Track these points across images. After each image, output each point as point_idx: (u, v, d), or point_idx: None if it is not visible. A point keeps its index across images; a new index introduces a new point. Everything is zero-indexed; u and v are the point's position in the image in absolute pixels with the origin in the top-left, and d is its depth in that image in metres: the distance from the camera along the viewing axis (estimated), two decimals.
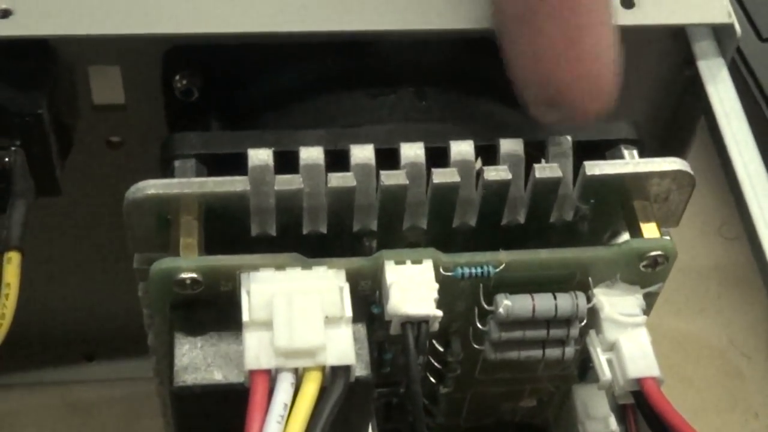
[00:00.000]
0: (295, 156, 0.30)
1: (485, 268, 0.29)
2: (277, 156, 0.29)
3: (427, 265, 0.29)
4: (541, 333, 0.30)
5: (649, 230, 0.31)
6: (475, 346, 0.31)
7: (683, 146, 0.38)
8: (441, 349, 0.32)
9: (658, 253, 0.30)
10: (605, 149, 0.32)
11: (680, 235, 0.42)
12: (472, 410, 0.36)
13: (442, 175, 0.30)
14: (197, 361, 0.28)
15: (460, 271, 0.29)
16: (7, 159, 0.32)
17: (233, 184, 0.29)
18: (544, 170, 0.30)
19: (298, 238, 0.30)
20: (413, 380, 0.29)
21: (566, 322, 0.30)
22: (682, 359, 0.50)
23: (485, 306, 0.30)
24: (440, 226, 0.31)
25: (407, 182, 0.29)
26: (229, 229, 0.29)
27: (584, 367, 0.34)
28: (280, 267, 0.28)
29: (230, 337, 0.28)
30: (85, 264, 0.41)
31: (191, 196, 0.29)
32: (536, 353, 0.31)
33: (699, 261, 0.53)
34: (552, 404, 0.37)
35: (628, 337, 0.30)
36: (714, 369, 0.50)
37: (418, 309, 0.28)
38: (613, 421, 0.35)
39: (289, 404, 0.26)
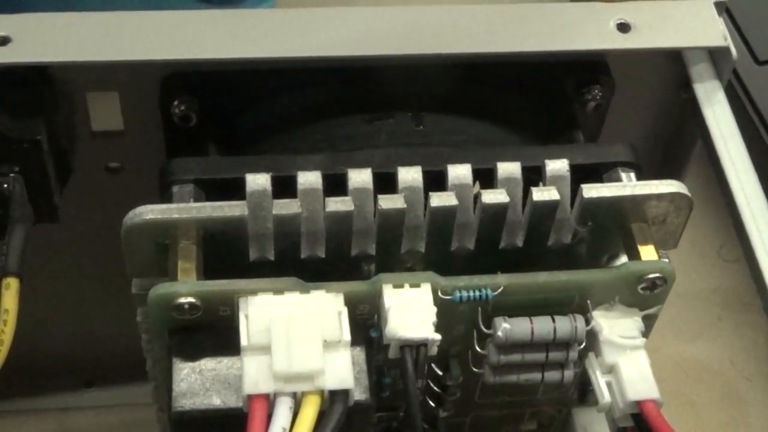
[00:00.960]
0: (293, 181, 0.30)
1: (483, 291, 0.29)
2: (276, 181, 0.29)
3: (426, 289, 0.29)
4: (540, 356, 0.30)
5: (647, 253, 0.31)
6: (474, 369, 0.31)
7: (681, 169, 0.38)
8: (440, 373, 0.32)
9: (657, 275, 0.30)
10: (603, 172, 0.32)
11: (680, 257, 0.42)
12: None
13: (439, 199, 0.30)
14: (196, 385, 0.28)
15: (458, 294, 0.29)
16: (5, 185, 0.32)
17: (231, 209, 0.29)
18: (541, 193, 0.30)
19: (297, 263, 0.30)
20: (412, 404, 0.29)
21: (565, 345, 0.30)
22: (682, 382, 0.50)
23: (484, 329, 0.30)
24: (438, 250, 0.31)
25: (405, 206, 0.29)
26: (228, 254, 0.30)
27: (584, 390, 0.34)
28: (278, 291, 0.28)
29: (229, 361, 0.28)
30: (84, 289, 0.41)
31: (189, 221, 0.29)
32: (535, 376, 0.31)
33: (699, 284, 0.53)
34: (552, 428, 0.37)
35: (627, 360, 0.30)
36: (715, 392, 0.50)
37: (417, 333, 0.28)
38: None
39: (287, 428, 0.26)
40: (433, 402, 0.33)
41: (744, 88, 0.50)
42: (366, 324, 0.29)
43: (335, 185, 0.30)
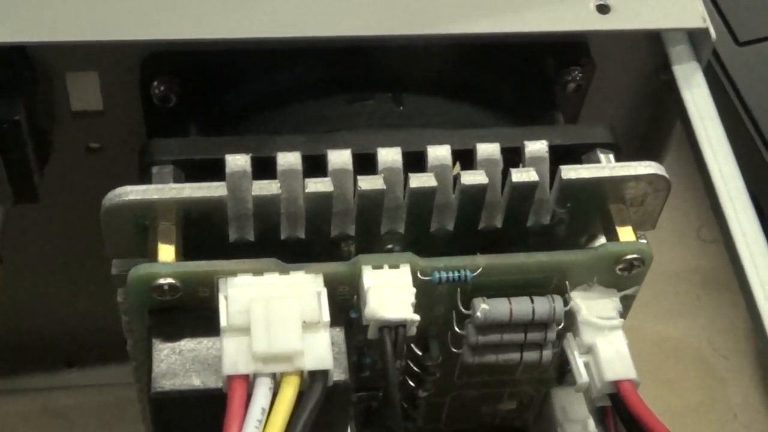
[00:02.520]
0: (273, 162, 0.30)
1: (462, 272, 0.29)
2: (255, 162, 0.29)
3: (405, 270, 0.29)
4: (518, 336, 0.30)
5: (625, 234, 0.31)
6: (454, 349, 0.31)
7: (660, 150, 0.38)
8: (420, 353, 0.32)
9: (634, 256, 0.30)
10: (582, 153, 0.32)
11: (659, 238, 0.43)
12: (452, 414, 0.36)
13: (419, 180, 0.30)
14: (175, 366, 0.28)
15: (437, 275, 0.29)
16: None
17: (211, 189, 0.29)
18: (520, 175, 0.30)
19: (277, 244, 0.30)
20: (391, 384, 0.29)
21: (543, 325, 0.30)
22: (661, 361, 0.50)
23: (463, 310, 0.30)
24: (418, 231, 0.31)
25: (384, 187, 0.30)
26: (208, 235, 0.30)
27: (562, 370, 0.35)
28: (257, 272, 0.28)
29: (208, 342, 0.28)
30: (65, 270, 0.41)
31: (169, 202, 0.29)
32: (514, 356, 0.31)
33: (678, 264, 0.53)
34: (532, 407, 0.37)
35: (604, 340, 0.30)
36: (693, 371, 0.50)
37: (396, 313, 0.28)
38: (591, 424, 0.35)
39: (267, 409, 0.26)
40: (412, 382, 0.34)
41: (724, 69, 0.50)
42: (346, 305, 0.29)
43: (315, 166, 0.30)
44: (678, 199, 0.53)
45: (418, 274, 0.29)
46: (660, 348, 0.50)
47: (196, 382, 0.28)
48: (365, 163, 0.30)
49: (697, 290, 0.53)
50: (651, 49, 0.36)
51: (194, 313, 0.28)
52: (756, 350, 0.50)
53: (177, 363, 0.28)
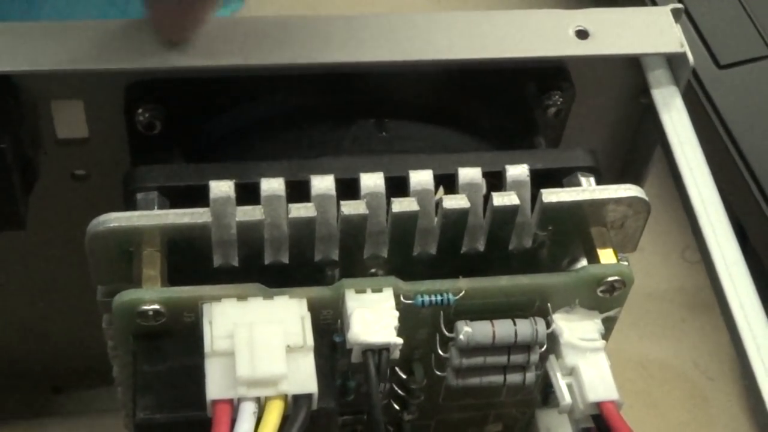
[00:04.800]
0: (256, 187, 0.30)
1: (445, 295, 0.30)
2: (239, 188, 0.30)
3: (388, 294, 0.29)
4: (501, 359, 0.31)
5: (606, 256, 0.31)
6: (438, 372, 0.32)
7: (641, 173, 0.39)
8: (404, 377, 0.32)
9: (615, 278, 0.30)
10: (562, 177, 0.33)
11: (644, 259, 0.43)
12: None
13: (401, 205, 0.30)
14: (160, 392, 0.28)
15: (420, 299, 0.30)
16: None
17: (195, 216, 0.29)
18: (502, 198, 0.31)
19: (261, 269, 0.30)
20: (375, 407, 0.29)
21: (526, 347, 0.31)
22: (646, 383, 0.50)
23: (446, 333, 0.30)
24: (401, 255, 0.31)
25: (367, 212, 0.30)
26: (192, 261, 0.30)
27: (546, 392, 0.35)
28: (242, 297, 0.29)
29: (193, 367, 0.28)
30: (51, 296, 0.41)
31: (153, 228, 0.29)
32: (498, 379, 0.31)
33: (662, 285, 0.54)
34: (517, 429, 0.37)
35: (587, 362, 0.30)
36: (678, 392, 0.50)
37: (379, 337, 0.28)
38: None
39: None
40: (397, 405, 0.34)
41: (705, 92, 0.51)
42: (329, 329, 0.30)
43: (298, 192, 0.30)
44: (662, 220, 0.53)
45: (401, 298, 0.30)
46: (645, 369, 0.50)
47: (180, 407, 0.28)
48: (348, 189, 0.30)
49: (681, 311, 0.53)
50: (630, 73, 0.36)
51: (179, 338, 0.29)
52: (741, 371, 0.50)
53: (162, 388, 0.28)
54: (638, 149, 0.38)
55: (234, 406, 0.27)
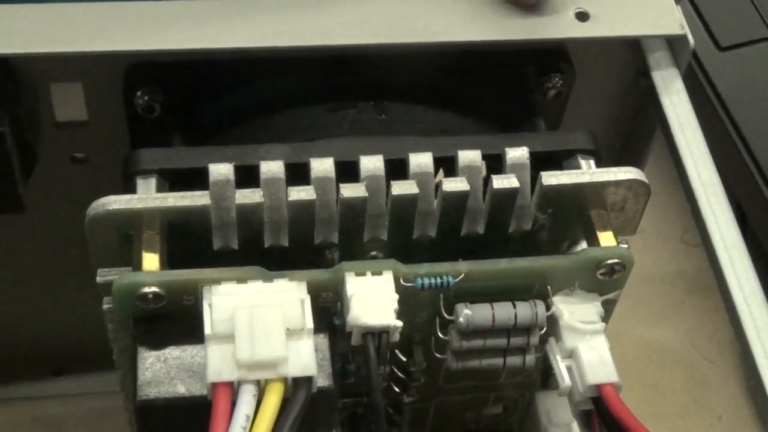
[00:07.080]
0: (256, 170, 0.30)
1: (445, 278, 0.30)
2: (239, 170, 0.30)
3: (387, 277, 0.29)
4: (501, 341, 0.31)
5: (606, 239, 0.31)
6: (437, 355, 0.32)
7: (641, 155, 0.39)
8: (404, 359, 0.32)
9: (615, 261, 0.30)
10: (562, 159, 0.32)
11: (643, 242, 0.43)
12: (437, 419, 0.36)
13: (400, 187, 0.30)
14: (160, 374, 0.28)
15: (420, 281, 0.30)
16: None
17: (194, 198, 0.29)
18: (501, 181, 0.31)
19: (260, 252, 0.30)
20: (374, 390, 0.29)
21: (526, 330, 0.31)
22: (646, 365, 0.50)
23: (446, 315, 0.30)
24: (401, 238, 0.31)
25: (367, 195, 0.30)
26: (192, 244, 0.30)
27: (546, 375, 0.35)
28: (241, 280, 0.28)
29: (193, 350, 0.28)
30: (52, 279, 0.41)
31: (152, 211, 0.29)
32: (497, 361, 0.31)
33: (662, 268, 0.54)
34: (516, 411, 0.37)
35: (586, 345, 0.30)
36: (678, 374, 0.50)
37: (378, 320, 0.28)
38: (575, 427, 0.35)
39: (251, 416, 0.26)
40: (397, 388, 0.34)
41: (706, 74, 0.51)
42: (329, 311, 0.30)
43: (298, 174, 0.30)
44: (662, 203, 0.53)
45: (401, 281, 0.30)
46: (644, 352, 0.51)
47: (181, 389, 0.28)
48: (348, 171, 0.30)
49: (681, 294, 0.53)
50: (630, 55, 0.36)
51: (179, 321, 0.29)
52: (740, 353, 0.50)
53: (162, 371, 0.28)
54: (638, 132, 0.38)
55: (234, 388, 0.27)
